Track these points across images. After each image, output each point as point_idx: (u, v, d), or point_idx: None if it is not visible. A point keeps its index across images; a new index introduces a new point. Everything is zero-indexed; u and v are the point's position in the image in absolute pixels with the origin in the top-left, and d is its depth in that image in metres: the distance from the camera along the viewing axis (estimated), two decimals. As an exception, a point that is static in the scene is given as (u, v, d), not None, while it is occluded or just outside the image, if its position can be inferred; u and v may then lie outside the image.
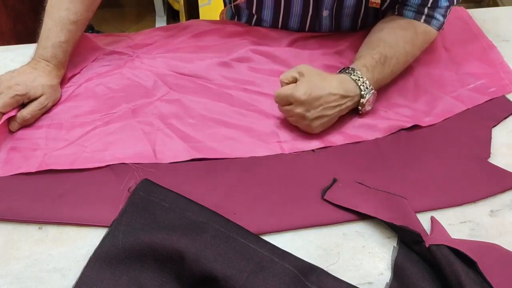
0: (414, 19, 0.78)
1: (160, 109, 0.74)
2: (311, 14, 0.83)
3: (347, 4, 0.81)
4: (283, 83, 0.70)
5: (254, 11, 0.86)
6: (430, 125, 0.73)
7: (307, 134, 0.71)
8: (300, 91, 0.66)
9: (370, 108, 0.73)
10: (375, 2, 0.77)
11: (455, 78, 0.81)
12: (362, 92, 0.69)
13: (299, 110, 0.67)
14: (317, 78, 0.68)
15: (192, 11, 1.76)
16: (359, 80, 0.70)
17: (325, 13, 0.82)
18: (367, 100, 0.70)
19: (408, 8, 0.78)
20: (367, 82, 0.70)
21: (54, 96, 0.73)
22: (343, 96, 0.68)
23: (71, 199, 0.62)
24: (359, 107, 0.71)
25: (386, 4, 0.79)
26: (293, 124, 0.71)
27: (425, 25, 0.78)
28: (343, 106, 0.69)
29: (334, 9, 0.82)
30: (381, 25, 0.80)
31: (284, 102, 0.69)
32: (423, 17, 0.77)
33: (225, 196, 0.63)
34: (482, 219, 0.62)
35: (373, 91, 0.71)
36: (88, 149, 0.68)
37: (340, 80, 0.69)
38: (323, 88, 0.67)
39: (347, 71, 0.71)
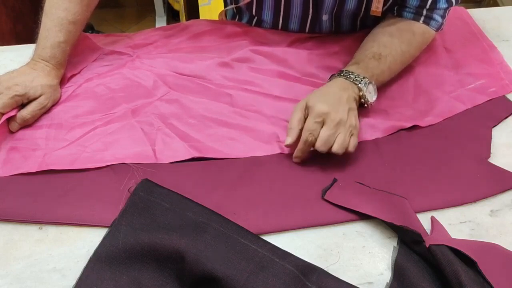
0: (412, 20, 0.78)
1: (160, 109, 0.74)
2: (311, 17, 0.83)
3: (346, 8, 0.81)
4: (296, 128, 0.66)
5: (254, 12, 0.86)
6: (430, 125, 0.73)
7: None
8: (318, 106, 0.64)
9: (374, 99, 0.72)
10: (376, 11, 0.77)
11: (455, 78, 0.81)
12: (359, 85, 0.70)
13: (333, 117, 0.64)
14: (315, 94, 0.68)
15: (192, 11, 1.75)
16: (349, 76, 0.70)
17: (325, 17, 0.83)
18: (367, 90, 0.70)
19: (407, 9, 0.78)
20: (360, 76, 0.70)
21: (53, 96, 0.73)
22: (343, 89, 0.69)
23: (71, 199, 0.62)
24: (362, 100, 0.71)
25: (386, 7, 0.79)
26: (326, 146, 0.64)
27: (423, 25, 0.78)
28: (351, 96, 0.68)
29: (333, 14, 0.82)
30: (378, 28, 0.80)
31: (301, 113, 0.66)
32: (422, 18, 0.78)
33: (225, 196, 0.63)
34: (482, 219, 0.62)
35: (370, 81, 0.71)
36: (88, 149, 0.67)
37: (331, 82, 0.72)
38: (326, 93, 0.68)
39: (335, 74, 0.73)
